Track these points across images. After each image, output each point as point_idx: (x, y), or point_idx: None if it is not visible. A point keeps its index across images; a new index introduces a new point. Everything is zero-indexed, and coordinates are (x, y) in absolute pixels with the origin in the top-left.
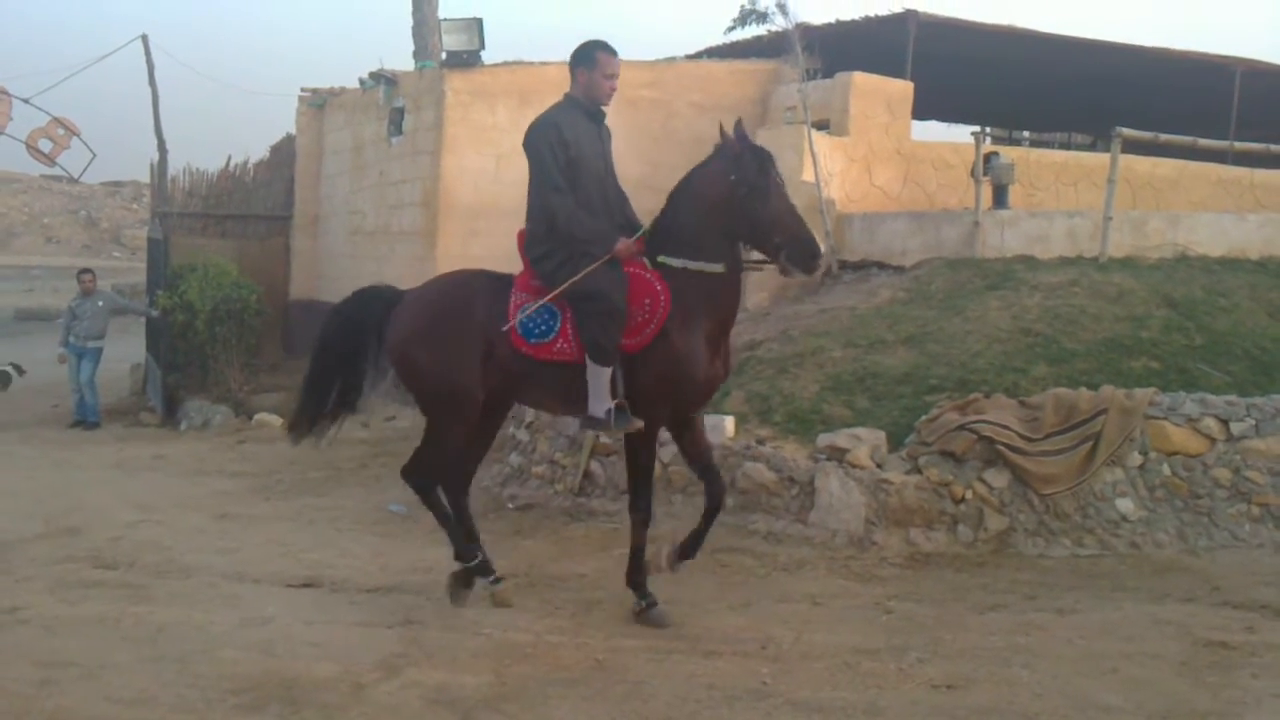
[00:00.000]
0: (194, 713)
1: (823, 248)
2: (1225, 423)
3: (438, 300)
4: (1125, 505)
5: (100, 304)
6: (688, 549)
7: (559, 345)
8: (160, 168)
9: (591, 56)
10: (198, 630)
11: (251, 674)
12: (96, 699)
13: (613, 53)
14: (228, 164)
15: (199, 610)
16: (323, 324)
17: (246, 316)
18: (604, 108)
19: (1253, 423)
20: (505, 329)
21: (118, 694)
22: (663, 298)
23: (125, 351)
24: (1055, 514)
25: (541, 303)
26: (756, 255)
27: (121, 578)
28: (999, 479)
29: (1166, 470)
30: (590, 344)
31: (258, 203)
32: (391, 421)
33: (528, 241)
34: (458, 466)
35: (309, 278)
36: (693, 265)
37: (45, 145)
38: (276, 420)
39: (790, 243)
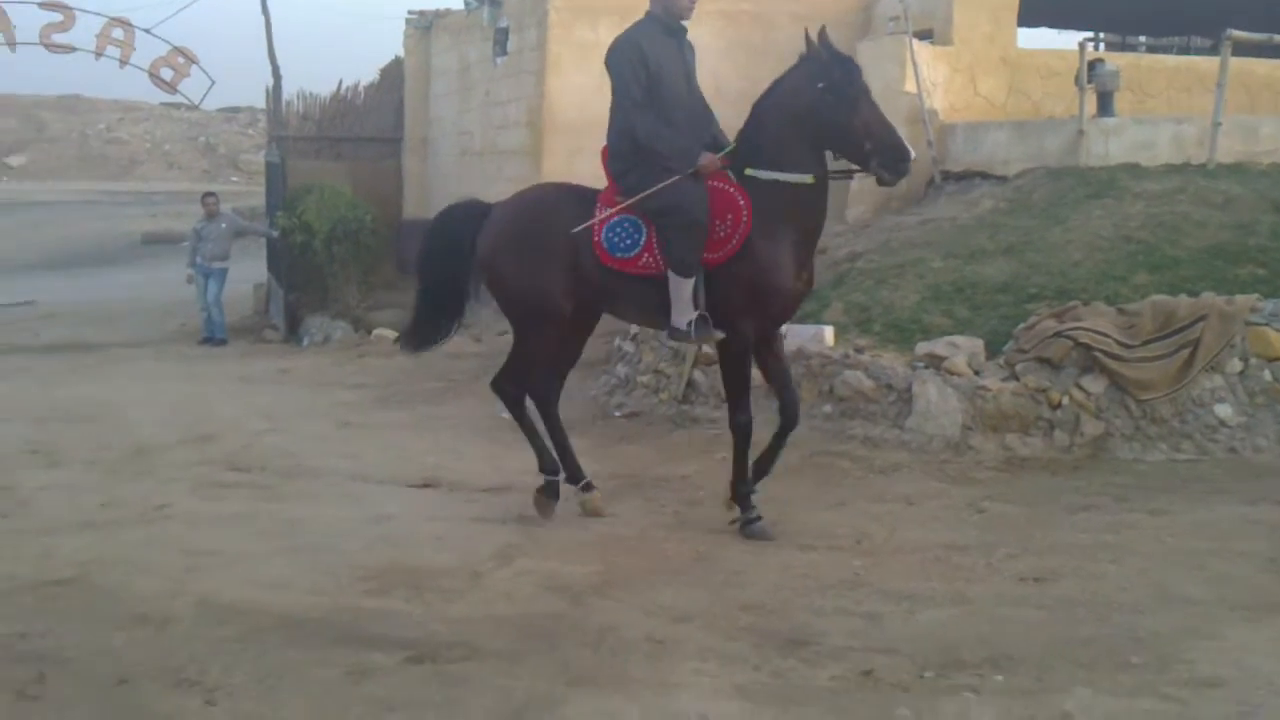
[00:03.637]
0: (327, 595)
1: (921, 155)
2: None
3: (523, 212)
4: (1224, 411)
5: (224, 226)
6: (761, 467)
7: (644, 259)
8: (275, 93)
9: None
10: (326, 525)
11: (377, 563)
12: (239, 583)
13: None
14: (339, 88)
15: (326, 508)
16: (420, 242)
17: (362, 236)
18: (684, 23)
19: None
20: (590, 241)
21: (257, 579)
22: (745, 212)
23: (248, 272)
24: (1152, 419)
25: (614, 212)
26: (844, 164)
27: (254, 479)
28: (1096, 385)
29: (1267, 376)
30: (672, 257)
31: (369, 125)
32: (503, 335)
33: (611, 156)
34: (547, 376)
35: (420, 198)
36: (781, 177)
37: (167, 73)
38: (393, 335)
39: (880, 148)
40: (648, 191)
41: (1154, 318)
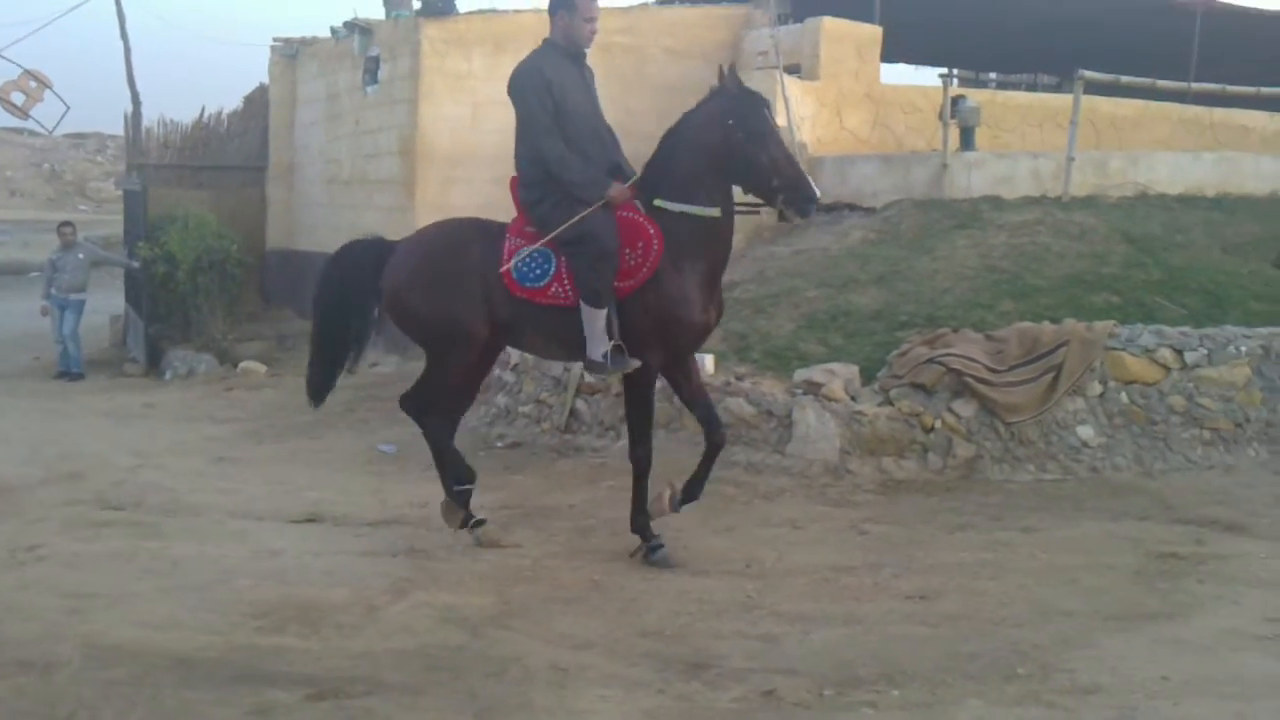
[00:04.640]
0: (220, 633)
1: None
2: (1180, 353)
3: (431, 247)
4: (1086, 432)
5: (81, 256)
6: (690, 491)
7: (554, 289)
8: (134, 120)
9: (570, 1)
10: (212, 562)
11: (268, 599)
12: (125, 624)
13: None
14: (202, 115)
15: (210, 544)
16: (318, 281)
17: (228, 267)
18: (584, 50)
19: (1205, 352)
20: (500, 271)
21: (144, 619)
22: (655, 241)
23: (103, 304)
24: (1020, 441)
25: (536, 247)
26: (749, 199)
27: (130, 517)
28: (966, 409)
29: (1124, 398)
30: (584, 287)
31: (232, 153)
32: (375, 367)
33: (521, 186)
34: (455, 405)
35: (285, 227)
36: (689, 210)
37: (18, 98)
38: (261, 368)
39: (787, 186)
40: (565, 225)
41: (1020, 343)
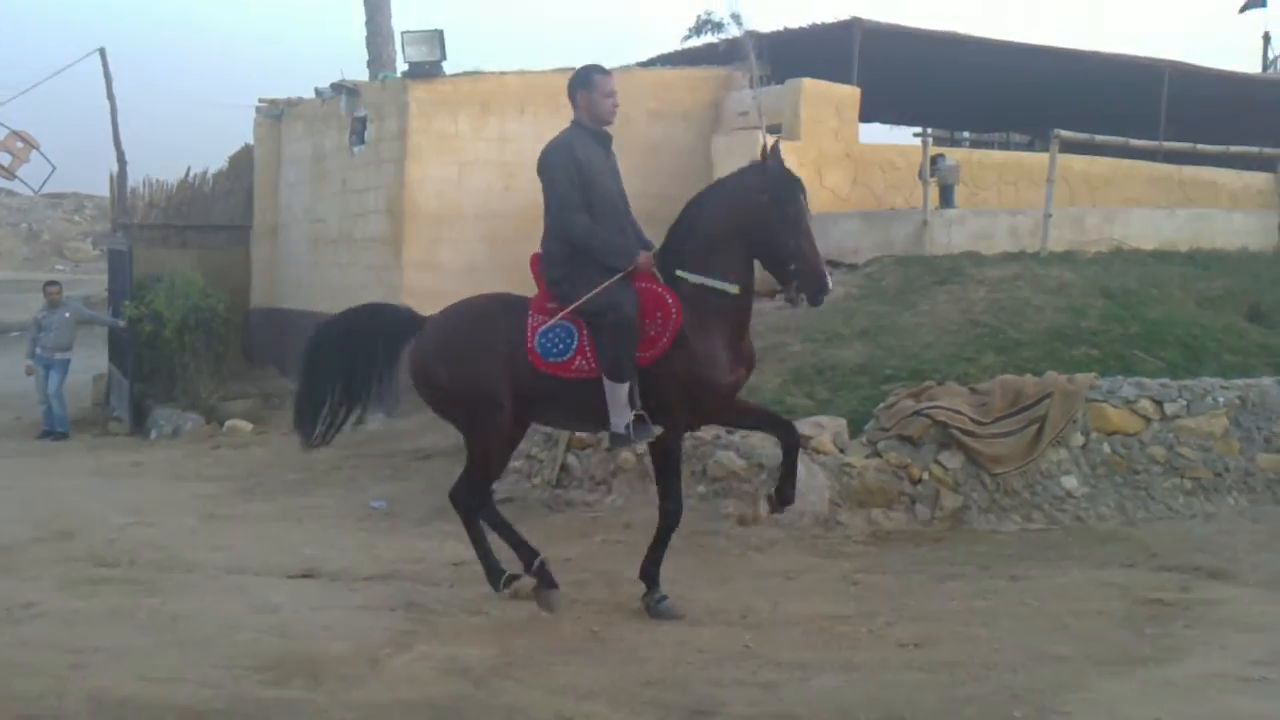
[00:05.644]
0: (223, 688)
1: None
2: (1159, 404)
3: (458, 321)
4: (1070, 482)
5: (67, 315)
6: (785, 493)
7: (577, 363)
8: (120, 179)
9: (588, 80)
10: (211, 617)
11: (270, 653)
12: (129, 679)
13: (606, 73)
14: (187, 175)
15: (209, 600)
16: (321, 331)
17: (215, 326)
18: (608, 128)
19: (1184, 403)
20: (524, 349)
21: (148, 674)
22: (674, 311)
23: (84, 363)
24: (1005, 492)
25: (558, 318)
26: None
27: (126, 574)
28: (953, 460)
29: (1107, 449)
30: (605, 360)
31: (217, 213)
32: (361, 426)
33: (545, 263)
34: (494, 475)
35: (269, 286)
36: (709, 283)
37: (4, 159)
38: (247, 426)
39: (804, 273)
40: (588, 295)
41: (1003, 396)
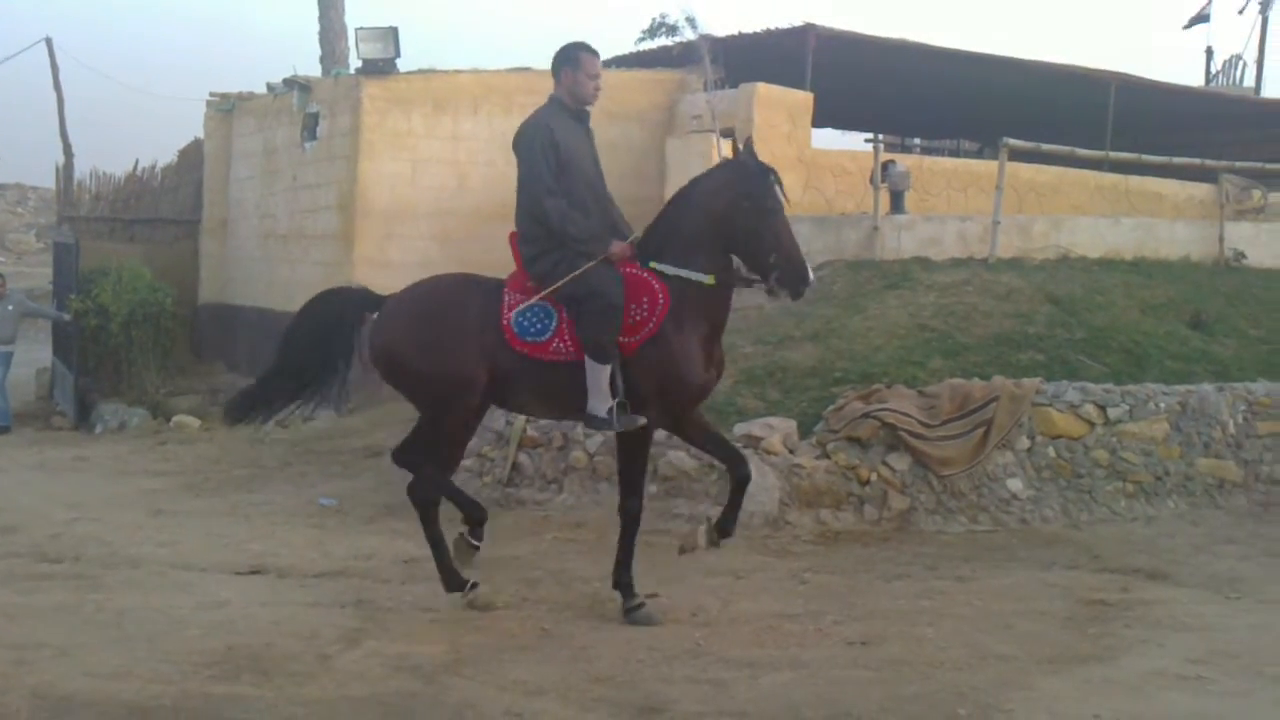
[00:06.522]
0: (171, 684)
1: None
2: (1103, 409)
3: (425, 302)
4: (1015, 485)
5: (10, 308)
6: (725, 526)
7: (555, 345)
8: (66, 171)
9: (575, 57)
10: (158, 613)
11: (218, 649)
12: (75, 674)
13: (594, 53)
14: (135, 168)
15: (155, 596)
16: (296, 319)
17: (162, 320)
18: (588, 108)
19: (1127, 408)
20: (499, 326)
21: (94, 669)
22: (661, 297)
23: (26, 356)
24: (952, 494)
25: (537, 299)
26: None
27: (70, 570)
28: (901, 462)
29: (1051, 452)
30: (589, 342)
31: (166, 207)
32: (310, 423)
33: (521, 241)
34: (449, 461)
35: (218, 281)
36: (685, 274)
37: None
38: (195, 422)
39: (784, 264)
40: (568, 278)
41: (951, 399)
